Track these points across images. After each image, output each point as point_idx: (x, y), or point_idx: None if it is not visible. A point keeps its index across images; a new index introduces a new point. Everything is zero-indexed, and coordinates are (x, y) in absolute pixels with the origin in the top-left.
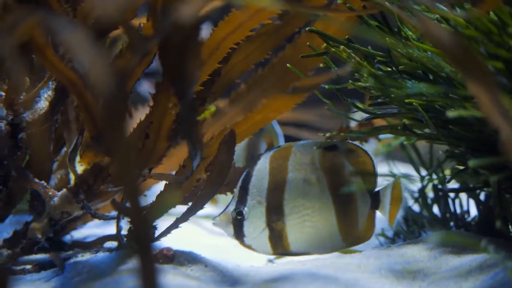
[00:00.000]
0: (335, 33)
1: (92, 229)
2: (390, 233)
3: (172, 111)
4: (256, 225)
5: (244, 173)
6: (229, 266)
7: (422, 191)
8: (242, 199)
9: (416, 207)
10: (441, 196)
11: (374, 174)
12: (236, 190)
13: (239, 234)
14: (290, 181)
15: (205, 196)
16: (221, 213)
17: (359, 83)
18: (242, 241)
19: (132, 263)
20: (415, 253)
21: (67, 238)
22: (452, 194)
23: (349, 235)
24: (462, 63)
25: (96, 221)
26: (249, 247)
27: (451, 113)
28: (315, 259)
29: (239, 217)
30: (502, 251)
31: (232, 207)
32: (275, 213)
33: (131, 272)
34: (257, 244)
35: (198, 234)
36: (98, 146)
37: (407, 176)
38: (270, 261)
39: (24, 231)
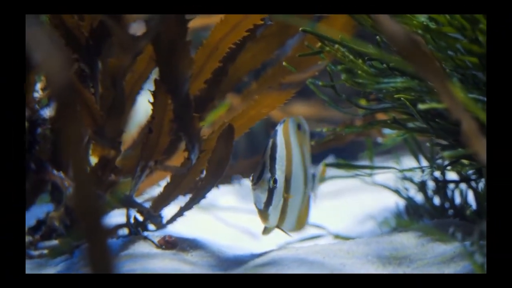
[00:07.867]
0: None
1: (116, 218)
2: (393, 223)
3: (171, 107)
4: (280, 195)
5: (270, 143)
6: (229, 252)
7: (422, 182)
8: (272, 169)
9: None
10: (441, 187)
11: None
12: (266, 158)
13: (268, 202)
14: (294, 155)
15: (205, 187)
16: (259, 180)
17: (355, 80)
18: (266, 209)
19: (133, 249)
20: (403, 240)
21: None
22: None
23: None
24: (413, 57)
25: (120, 210)
26: (266, 216)
27: (422, 106)
28: (309, 246)
29: (273, 185)
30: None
31: (268, 175)
32: (287, 185)
33: (131, 257)
34: (273, 214)
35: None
36: (100, 140)
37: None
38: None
39: (45, 219)
